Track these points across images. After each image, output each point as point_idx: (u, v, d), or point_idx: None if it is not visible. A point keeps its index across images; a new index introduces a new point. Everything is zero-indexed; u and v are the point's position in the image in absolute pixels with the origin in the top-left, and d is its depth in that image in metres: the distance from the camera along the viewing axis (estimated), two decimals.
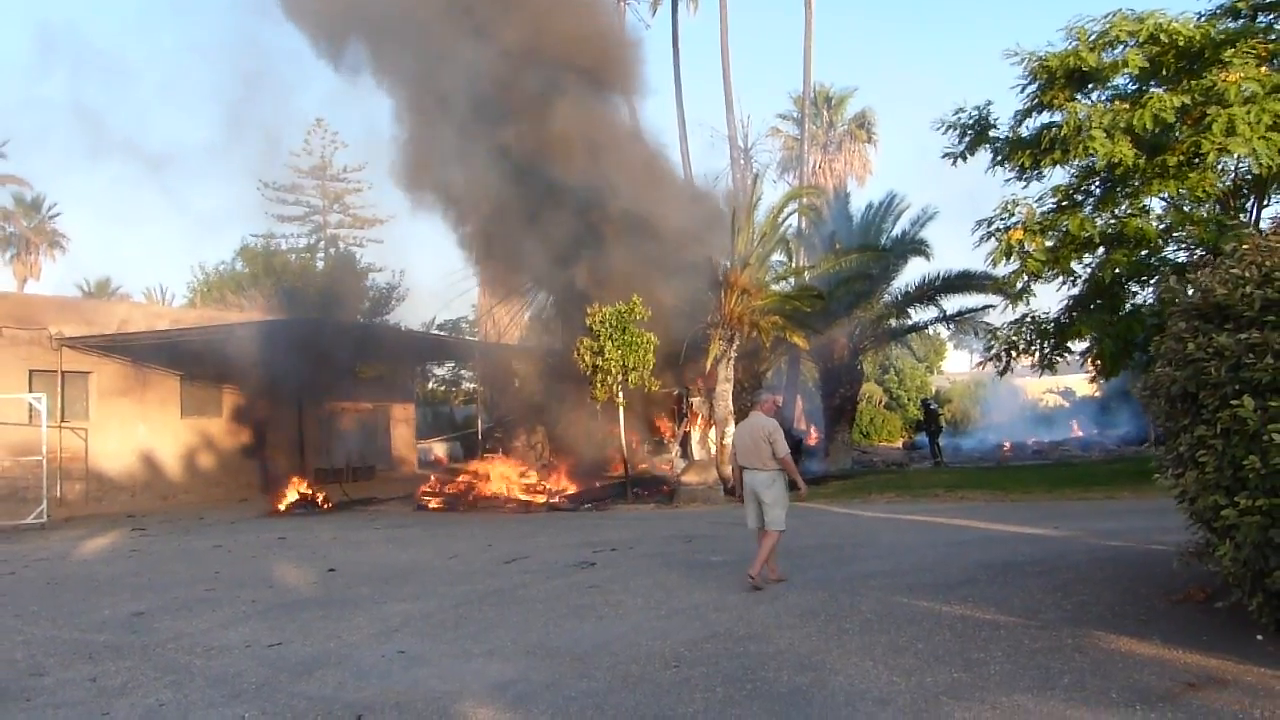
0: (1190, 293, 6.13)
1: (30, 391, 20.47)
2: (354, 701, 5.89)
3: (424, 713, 5.61)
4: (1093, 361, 16.05)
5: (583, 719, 5.37)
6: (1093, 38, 14.32)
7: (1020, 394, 45.69)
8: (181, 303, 43.93)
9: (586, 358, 18.68)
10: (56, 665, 7.21)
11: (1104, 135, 13.17)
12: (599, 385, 18.65)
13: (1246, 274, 5.72)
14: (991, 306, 22.03)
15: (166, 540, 15.51)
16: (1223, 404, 5.44)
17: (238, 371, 22.88)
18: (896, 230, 24.70)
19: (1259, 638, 5.93)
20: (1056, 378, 28.53)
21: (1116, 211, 14.68)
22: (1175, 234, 13.80)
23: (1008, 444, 30.27)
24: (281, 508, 19.75)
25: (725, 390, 20.73)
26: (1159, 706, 5.00)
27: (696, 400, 21.72)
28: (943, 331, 41.15)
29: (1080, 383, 38.67)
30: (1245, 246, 6.03)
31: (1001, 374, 17.13)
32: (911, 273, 24.52)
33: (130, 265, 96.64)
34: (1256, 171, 12.57)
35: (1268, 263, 5.71)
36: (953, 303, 24.48)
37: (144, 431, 23.49)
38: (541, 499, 19.37)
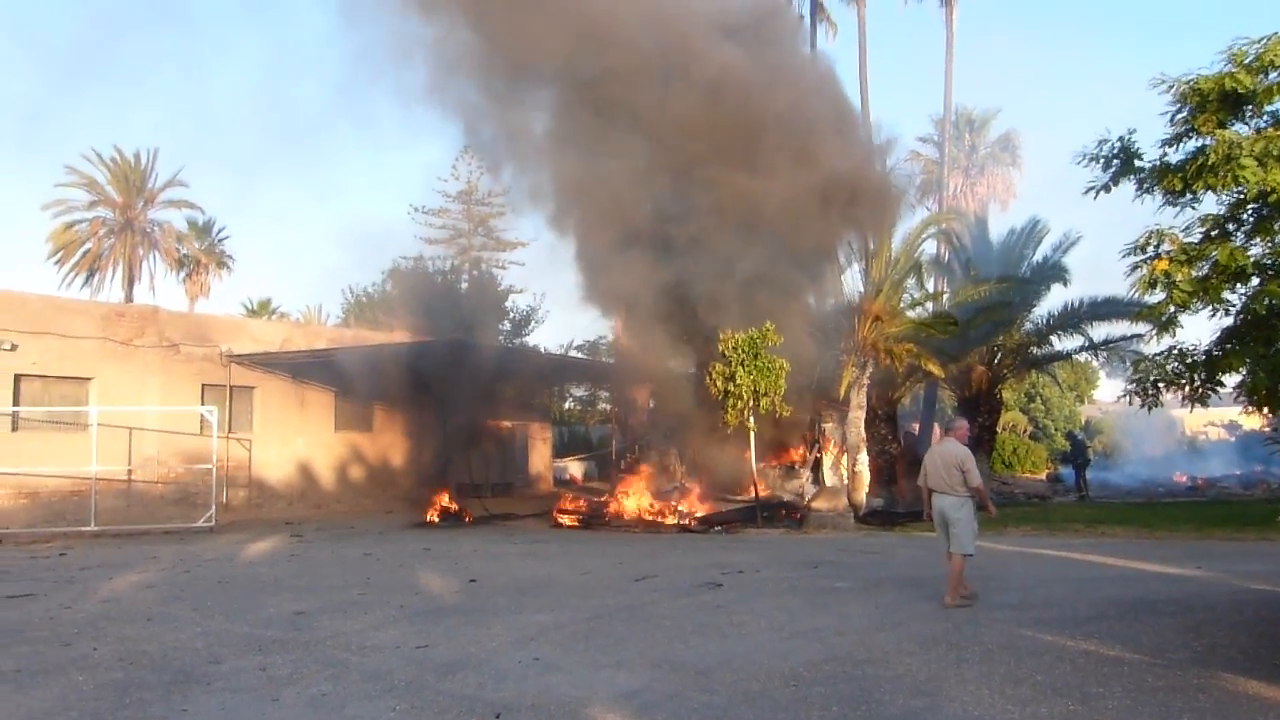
0: None
1: (202, 404, 22.17)
2: (493, 701, 6.39)
3: (556, 715, 6.05)
4: (1248, 396, 15.42)
5: None
6: (1249, 60, 13.87)
7: (1177, 426, 43.63)
8: (335, 322, 46.51)
9: (719, 382, 19.05)
10: (231, 655, 7.99)
11: (1255, 163, 12.74)
12: (730, 410, 18.98)
13: None
14: (1140, 335, 21.34)
15: (321, 547, 16.61)
16: None
17: (387, 389, 24.14)
18: (1038, 256, 24.15)
19: None
20: (1219, 410, 27.21)
21: (1275, 241, 14.11)
22: None
23: (1181, 478, 29.12)
24: (426, 520, 20.79)
25: (858, 417, 20.79)
26: None
27: (829, 426, 21.79)
28: (1093, 360, 39.82)
29: (1246, 415, 36.73)
30: None
31: (1146, 408, 16.60)
32: (1054, 299, 23.99)
33: (289, 285, 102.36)
34: None
35: None
36: (1099, 330, 23.80)
37: (301, 444, 25.09)
38: (672, 520, 19.80)
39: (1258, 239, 14.56)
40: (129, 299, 47.94)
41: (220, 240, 57.19)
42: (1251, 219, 14.52)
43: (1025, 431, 40.54)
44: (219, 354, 23.32)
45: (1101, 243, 38.90)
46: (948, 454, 9.71)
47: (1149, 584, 10.18)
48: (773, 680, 6.72)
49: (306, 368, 24.38)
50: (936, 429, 30.78)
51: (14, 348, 20.01)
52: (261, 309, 56.91)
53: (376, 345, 25.39)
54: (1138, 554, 12.81)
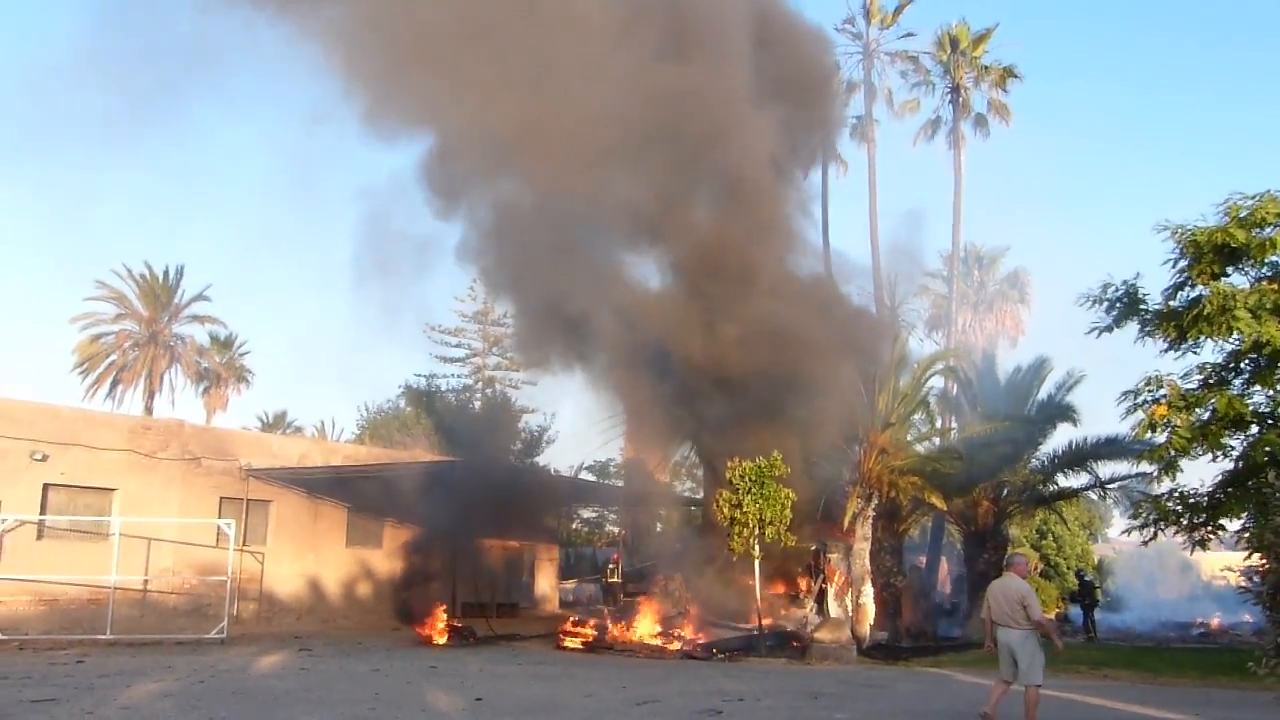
0: None
1: (220, 517, 22.67)
2: None
3: None
4: (1248, 542, 15.79)
5: None
6: (1244, 214, 14.64)
7: (1193, 569, 43.34)
8: (349, 437, 47.23)
9: (725, 509, 19.50)
10: None
11: (1249, 315, 13.49)
12: (736, 537, 19.38)
13: None
14: (1145, 475, 21.76)
15: (331, 661, 16.88)
16: None
17: (399, 506, 24.61)
18: (1043, 394, 24.81)
19: None
20: (1236, 554, 27.24)
21: (1270, 391, 14.74)
22: None
23: (1215, 621, 29.01)
24: (432, 639, 21.00)
25: (863, 548, 21.15)
26: None
27: (834, 556, 22.08)
28: (1104, 498, 39.88)
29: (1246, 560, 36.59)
30: None
31: (1145, 544, 17.00)
32: (1060, 437, 24.58)
33: (304, 399, 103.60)
34: None
35: None
36: (1105, 469, 24.24)
37: (312, 559, 25.46)
38: (675, 645, 19.97)
39: (1257, 387, 15.21)
40: (149, 411, 48.90)
41: (240, 355, 58.50)
42: (1249, 368, 15.21)
43: (1036, 569, 40.35)
44: (238, 468, 23.94)
45: (1105, 380, 39.58)
46: (1009, 589, 10.27)
47: None
48: None
49: (322, 483, 24.94)
50: (944, 564, 30.96)
51: (45, 458, 20.72)
52: (277, 423, 57.81)
53: (391, 465, 25.97)
54: (1138, 698, 13.00)
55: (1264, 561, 6.47)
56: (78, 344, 50.50)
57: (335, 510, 26.17)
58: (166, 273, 52.44)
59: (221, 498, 23.62)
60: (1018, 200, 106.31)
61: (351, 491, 25.28)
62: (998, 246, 48.38)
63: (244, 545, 23.40)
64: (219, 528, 21.83)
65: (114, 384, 51.24)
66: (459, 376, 49.03)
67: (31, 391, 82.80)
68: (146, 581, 21.84)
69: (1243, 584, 7.19)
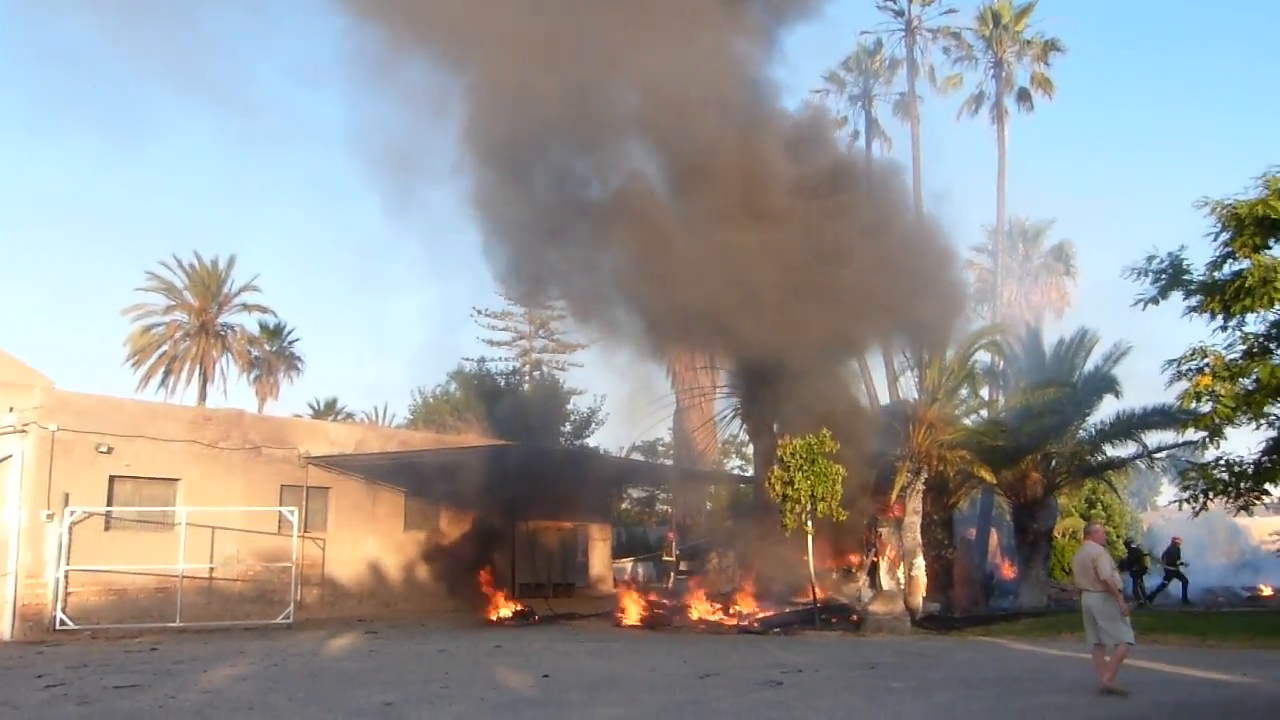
0: None
1: (280, 504, 23.34)
2: None
3: None
4: None
5: None
6: None
7: (1243, 535, 42.92)
8: (401, 422, 48.02)
9: (777, 487, 19.78)
10: None
11: None
12: (789, 514, 19.66)
13: None
14: (1193, 443, 21.70)
15: (397, 643, 17.47)
16: None
17: (455, 490, 25.13)
18: (1089, 366, 24.73)
19: None
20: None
21: None
22: None
23: (1265, 587, 28.73)
24: (493, 619, 21.57)
25: (913, 522, 21.32)
26: None
27: (885, 531, 22.25)
28: (1152, 467, 39.56)
29: None
30: None
31: (1196, 515, 17.06)
32: (1107, 409, 24.59)
33: (355, 385, 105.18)
34: None
35: None
36: (1151, 438, 24.18)
37: (372, 543, 26.12)
38: (732, 621, 20.34)
39: None
40: (202, 400, 50.05)
41: (290, 343, 59.50)
42: None
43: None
44: (298, 456, 24.59)
45: (1151, 355, 39.22)
46: (1084, 554, 11.07)
47: (1193, 689, 10.64)
48: None
49: (379, 469, 25.53)
50: (994, 535, 31.01)
51: (110, 450, 21.45)
52: (328, 409, 58.85)
53: (446, 449, 26.49)
54: (1187, 661, 13.15)
55: None
56: (129, 335, 51.67)
57: (393, 495, 26.77)
58: (215, 262, 53.41)
59: (282, 485, 24.25)
60: (1062, 173, 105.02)
61: (408, 476, 25.85)
62: (1043, 219, 47.86)
63: (305, 532, 24.07)
64: (281, 515, 22.48)
65: (166, 374, 52.42)
66: (506, 360, 49.68)
67: (86, 383, 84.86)
68: (212, 569, 22.51)
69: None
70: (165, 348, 52.46)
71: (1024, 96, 38.18)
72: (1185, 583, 26.10)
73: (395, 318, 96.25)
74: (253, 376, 57.85)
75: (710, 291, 21.84)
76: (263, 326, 58.02)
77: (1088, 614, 10.71)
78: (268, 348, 58.01)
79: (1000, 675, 12.41)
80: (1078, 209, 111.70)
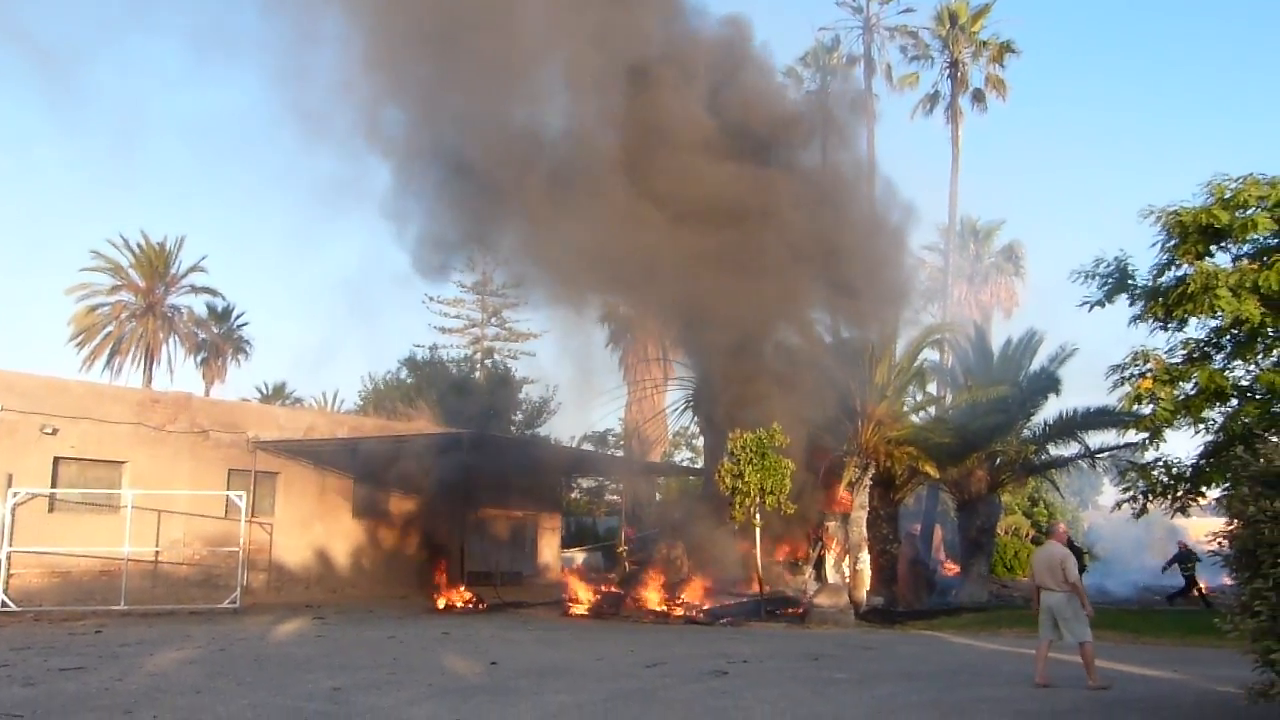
0: (1258, 462, 7.09)
1: (228, 489, 23.08)
2: None
3: None
4: (1224, 508, 16.34)
5: None
6: (1228, 195, 15.09)
7: (1181, 535, 44.07)
8: (351, 408, 47.59)
9: (726, 480, 19.98)
10: None
11: (1230, 294, 13.95)
12: (737, 507, 19.87)
13: None
14: (1134, 445, 22.26)
15: (345, 629, 17.38)
16: (1275, 562, 6.39)
17: (405, 477, 25.03)
18: (1035, 366, 25.27)
19: None
20: (1218, 520, 27.51)
21: (1250, 366, 15.25)
22: None
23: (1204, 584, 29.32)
24: (441, 606, 21.53)
25: (860, 516, 21.66)
26: None
27: (832, 524, 22.55)
28: (1094, 467, 40.43)
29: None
30: None
31: (1137, 517, 17.55)
32: (1051, 409, 25.19)
33: (304, 370, 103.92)
34: None
35: None
36: (1094, 439, 24.76)
37: (320, 529, 25.91)
38: (679, 612, 20.52)
39: (1238, 361, 15.71)
40: (148, 382, 49.18)
41: (239, 326, 58.66)
42: (1230, 344, 15.71)
43: (1028, 536, 41.01)
44: (246, 440, 24.31)
45: (1097, 357, 40.07)
46: (1050, 555, 11.14)
47: (1126, 685, 10.95)
48: None
49: (328, 455, 25.33)
50: (938, 530, 31.56)
51: (55, 432, 21.05)
52: (277, 394, 58.13)
53: (396, 437, 26.35)
54: (1121, 657, 13.52)
55: (1233, 526, 6.94)
56: (74, 315, 50.61)
57: (342, 481, 26.56)
58: (163, 243, 52.43)
59: (230, 469, 23.98)
60: (1014, 174, 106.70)
61: (358, 462, 25.67)
62: (993, 220, 48.82)
63: (253, 516, 23.81)
64: (228, 499, 22.23)
65: (112, 355, 51.44)
66: (458, 347, 49.44)
67: (28, 363, 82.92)
68: (158, 553, 22.23)
69: (1213, 548, 7.70)
70: (110, 328, 51.48)
71: (978, 97, 38.82)
72: (1194, 583, 26.10)
73: (344, 301, 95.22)
74: (200, 359, 56.97)
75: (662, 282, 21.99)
76: (211, 309, 57.11)
77: (1048, 613, 10.89)
78: (215, 330, 57.12)
79: (940, 668, 12.69)
80: (1029, 210, 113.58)
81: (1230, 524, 7.13)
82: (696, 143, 22.31)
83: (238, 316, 57.67)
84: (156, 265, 52.26)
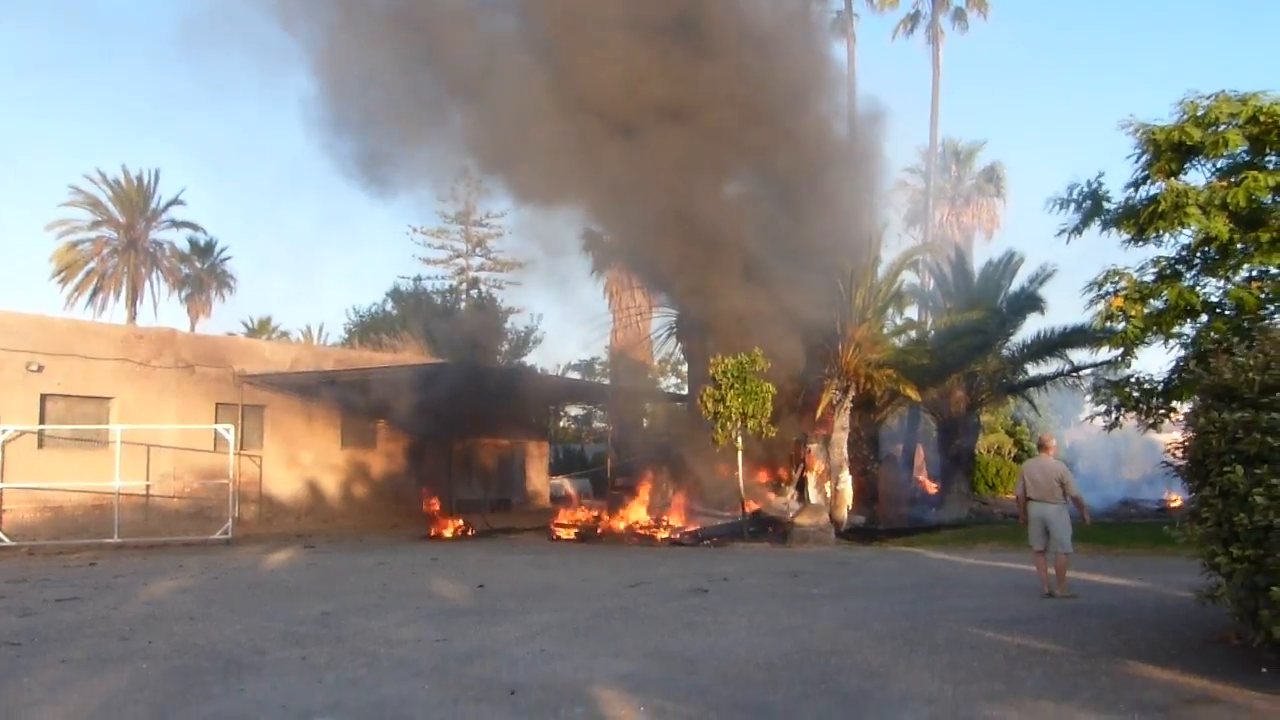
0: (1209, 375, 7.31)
1: (216, 422, 23.28)
2: (508, 682, 7.50)
3: (563, 692, 7.17)
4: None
5: (686, 701, 6.87)
6: (1200, 113, 15.15)
7: (1158, 449, 44.80)
8: (337, 341, 47.69)
9: (709, 405, 20.25)
10: (273, 647, 9.08)
11: (1199, 211, 14.08)
12: (719, 430, 20.18)
13: (1251, 361, 6.90)
14: (1109, 362, 22.57)
15: (336, 557, 17.74)
16: (1221, 470, 6.63)
17: (391, 408, 25.26)
18: (1014, 286, 25.47)
19: (1264, 670, 7.01)
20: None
21: (1218, 282, 15.46)
22: (1273, 304, 14.49)
23: (1173, 498, 29.85)
24: (430, 534, 21.92)
25: (841, 438, 21.99)
26: (1151, 714, 6.20)
27: (814, 446, 22.92)
28: (1076, 385, 40.92)
29: None
30: (1260, 338, 7.19)
31: (1109, 430, 17.91)
32: (1029, 329, 25.54)
33: (289, 302, 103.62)
34: None
35: (1271, 352, 6.87)
36: (1072, 358, 25.08)
37: (309, 460, 26.21)
38: (664, 534, 20.95)
39: (1208, 278, 15.91)
40: (132, 318, 49.10)
41: (221, 260, 58.36)
42: (1200, 261, 15.89)
43: (1010, 454, 41.65)
44: (232, 375, 24.45)
45: (1077, 275, 40.28)
46: (1049, 469, 11.43)
47: (1092, 593, 11.35)
48: (748, 667, 7.86)
49: (315, 388, 25.51)
50: (920, 451, 32.02)
51: (40, 369, 21.14)
52: (262, 328, 58.11)
53: (382, 368, 26.50)
54: (1091, 567, 13.94)
55: (1186, 438, 7.20)
56: (55, 251, 50.29)
57: (329, 413, 26.79)
58: (141, 178, 51.89)
59: (217, 404, 24.18)
60: (995, 94, 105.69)
61: (344, 395, 25.87)
62: (975, 141, 48.59)
63: (241, 449, 24.06)
64: (217, 433, 22.44)
65: (95, 292, 51.26)
66: (443, 278, 49.36)
67: (11, 301, 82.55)
68: (149, 487, 22.51)
69: (1167, 459, 7.98)
70: (93, 265, 51.20)
71: (959, 16, 38.39)
72: None
73: (332, 234, 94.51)
74: (184, 295, 56.85)
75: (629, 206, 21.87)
76: (193, 244, 56.84)
77: (1041, 523, 11.25)
78: (199, 265, 56.88)
79: (914, 582, 13.09)
80: (1010, 129, 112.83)
81: (1185, 436, 7.38)
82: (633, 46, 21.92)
83: (220, 251, 57.37)
84: (135, 200, 51.81)
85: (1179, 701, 6.49)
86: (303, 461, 26.07)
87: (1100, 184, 16.92)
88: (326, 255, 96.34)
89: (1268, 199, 13.91)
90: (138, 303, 52.10)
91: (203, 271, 57.22)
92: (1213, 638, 8.25)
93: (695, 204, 21.47)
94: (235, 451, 22.31)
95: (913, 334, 26.52)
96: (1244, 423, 6.52)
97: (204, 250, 57.74)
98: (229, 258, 58.02)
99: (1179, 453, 7.57)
